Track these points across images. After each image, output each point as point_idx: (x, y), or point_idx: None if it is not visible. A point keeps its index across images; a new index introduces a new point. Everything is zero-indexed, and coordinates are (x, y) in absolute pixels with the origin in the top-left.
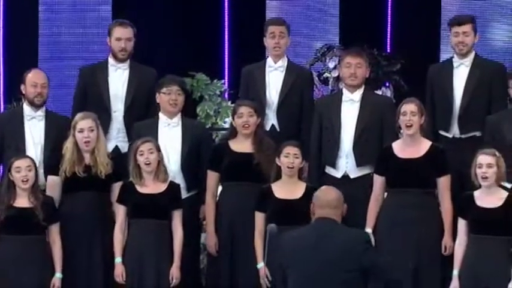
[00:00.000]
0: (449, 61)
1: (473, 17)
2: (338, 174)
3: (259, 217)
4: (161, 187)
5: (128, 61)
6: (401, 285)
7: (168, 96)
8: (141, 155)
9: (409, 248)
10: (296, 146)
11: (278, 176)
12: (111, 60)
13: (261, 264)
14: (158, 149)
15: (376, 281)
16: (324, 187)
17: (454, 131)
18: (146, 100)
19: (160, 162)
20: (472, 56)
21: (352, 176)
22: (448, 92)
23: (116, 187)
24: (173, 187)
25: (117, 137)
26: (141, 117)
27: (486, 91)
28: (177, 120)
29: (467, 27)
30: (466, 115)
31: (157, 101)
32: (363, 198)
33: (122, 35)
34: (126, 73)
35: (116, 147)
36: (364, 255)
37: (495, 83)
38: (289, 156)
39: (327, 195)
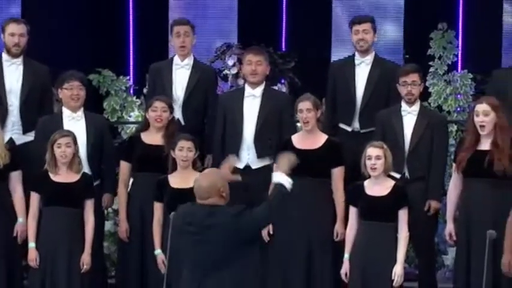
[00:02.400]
0: (351, 58)
1: (373, 17)
2: (241, 165)
3: (157, 207)
4: (75, 177)
5: (22, 57)
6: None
7: (70, 91)
8: (59, 147)
9: (304, 233)
10: (189, 140)
11: (174, 167)
12: (5, 56)
13: (158, 251)
14: (75, 142)
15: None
16: (198, 177)
17: (355, 126)
18: (40, 95)
19: (75, 154)
20: (372, 54)
21: (253, 167)
22: (350, 88)
23: (13, 176)
24: (86, 177)
25: (12, 130)
26: (36, 111)
27: (385, 89)
28: (81, 114)
29: (366, 26)
30: (367, 111)
31: (60, 96)
32: (264, 187)
33: (16, 31)
34: (21, 68)
35: (11, 139)
36: (242, 231)
37: (393, 82)
38: (183, 150)
39: (199, 187)
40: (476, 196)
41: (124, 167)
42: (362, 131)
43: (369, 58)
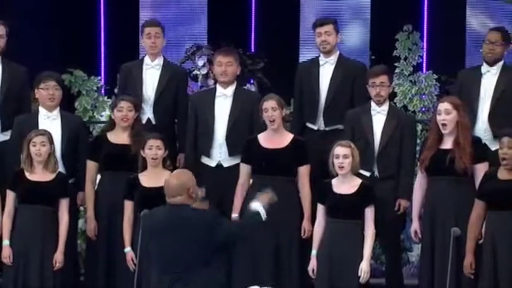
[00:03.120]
0: (316, 60)
1: (334, 19)
2: (212, 163)
3: (128, 205)
4: (50, 176)
5: (0, 58)
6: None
7: (46, 91)
8: (34, 146)
9: (272, 230)
10: (158, 138)
11: (144, 166)
12: None
13: (128, 249)
14: (51, 142)
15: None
16: (169, 176)
17: (320, 124)
18: (18, 95)
19: (51, 154)
20: (336, 54)
21: (225, 165)
22: (315, 88)
23: None
24: (61, 176)
25: None
26: (15, 111)
27: (349, 88)
28: (57, 113)
29: (328, 27)
30: (331, 109)
31: (36, 96)
32: (235, 184)
33: None
34: None
35: None
36: (216, 233)
37: (357, 81)
38: (153, 148)
39: (168, 185)
40: (439, 194)
41: (91, 166)
42: (327, 129)
43: (333, 58)
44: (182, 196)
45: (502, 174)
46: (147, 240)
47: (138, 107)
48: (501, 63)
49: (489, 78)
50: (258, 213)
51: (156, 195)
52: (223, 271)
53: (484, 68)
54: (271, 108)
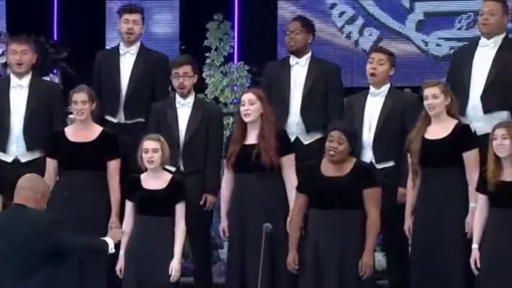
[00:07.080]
0: (116, 49)
1: (142, 8)
2: (9, 158)
3: None
4: None
5: None
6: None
7: None
8: None
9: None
10: None
11: None
12: None
13: None
14: None
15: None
16: (23, 177)
17: (120, 117)
18: None
19: None
20: (137, 45)
21: (23, 160)
22: (115, 79)
23: None
24: None
25: None
26: None
27: (150, 80)
28: None
29: (137, 16)
30: (132, 102)
31: None
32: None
33: None
34: None
35: None
36: (50, 236)
37: (158, 71)
38: None
39: (18, 184)
40: (247, 190)
41: None
42: (128, 122)
43: (134, 49)
44: (27, 197)
45: (326, 169)
46: None
47: None
48: (309, 55)
49: (298, 70)
50: (106, 244)
51: None
52: (54, 282)
53: (292, 60)
54: (81, 101)
